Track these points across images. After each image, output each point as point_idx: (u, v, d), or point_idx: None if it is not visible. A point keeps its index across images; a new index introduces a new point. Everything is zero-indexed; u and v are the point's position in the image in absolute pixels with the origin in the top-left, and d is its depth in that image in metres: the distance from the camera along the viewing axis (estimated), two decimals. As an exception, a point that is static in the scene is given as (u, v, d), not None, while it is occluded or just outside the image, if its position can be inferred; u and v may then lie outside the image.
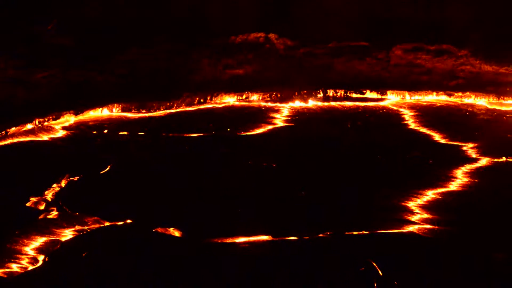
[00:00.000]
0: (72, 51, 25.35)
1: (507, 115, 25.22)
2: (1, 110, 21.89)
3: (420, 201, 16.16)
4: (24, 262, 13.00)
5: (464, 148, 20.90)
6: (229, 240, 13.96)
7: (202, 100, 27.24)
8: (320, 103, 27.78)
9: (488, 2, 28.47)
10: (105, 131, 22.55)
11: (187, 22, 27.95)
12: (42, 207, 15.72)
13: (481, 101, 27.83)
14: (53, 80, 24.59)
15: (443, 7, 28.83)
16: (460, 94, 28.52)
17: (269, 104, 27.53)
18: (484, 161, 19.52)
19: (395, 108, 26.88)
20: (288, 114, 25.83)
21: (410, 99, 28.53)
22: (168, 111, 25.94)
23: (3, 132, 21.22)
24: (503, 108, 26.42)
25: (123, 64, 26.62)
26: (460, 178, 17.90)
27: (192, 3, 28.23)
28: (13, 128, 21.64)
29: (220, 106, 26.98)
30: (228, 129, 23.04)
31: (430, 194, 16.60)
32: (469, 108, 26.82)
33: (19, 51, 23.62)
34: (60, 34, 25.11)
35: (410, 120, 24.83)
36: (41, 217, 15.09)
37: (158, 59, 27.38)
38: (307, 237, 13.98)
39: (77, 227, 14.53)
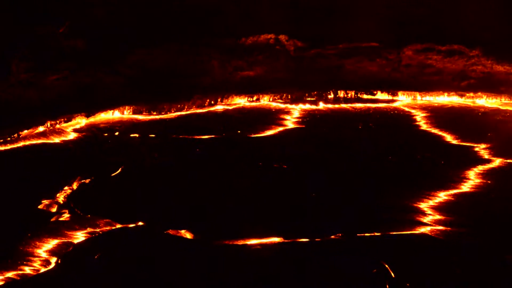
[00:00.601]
0: (83, 53, 25.43)
1: (520, 116, 25.09)
2: (13, 113, 21.99)
3: (432, 202, 16.09)
4: (37, 264, 13.08)
5: (477, 149, 20.76)
6: (241, 242, 13.96)
7: (212, 102, 27.23)
8: (330, 105, 27.71)
9: (499, 2, 28.28)
10: (116, 133, 22.61)
11: (198, 23, 27.97)
12: (54, 210, 15.79)
13: (493, 101, 27.63)
14: (65, 82, 24.67)
15: (454, 7, 28.65)
16: (471, 94, 28.34)
17: (280, 105, 27.49)
18: (497, 162, 19.39)
19: (406, 109, 26.75)
20: (298, 115, 25.78)
21: (421, 99, 28.40)
22: (179, 113, 25.96)
23: (15, 134, 21.33)
24: (517, 109, 26.23)
25: (133, 65, 26.68)
26: (472, 179, 17.80)
27: (203, 4, 28.23)
28: (25, 131, 21.74)
29: (231, 108, 26.96)
30: (239, 131, 23.02)
31: (442, 196, 16.52)
32: (481, 109, 26.63)
33: (31, 54, 23.70)
34: (71, 36, 25.21)
35: (422, 121, 24.69)
36: (53, 219, 15.17)
37: (168, 61, 27.40)
38: (318, 239, 13.96)
39: (89, 229, 14.60)
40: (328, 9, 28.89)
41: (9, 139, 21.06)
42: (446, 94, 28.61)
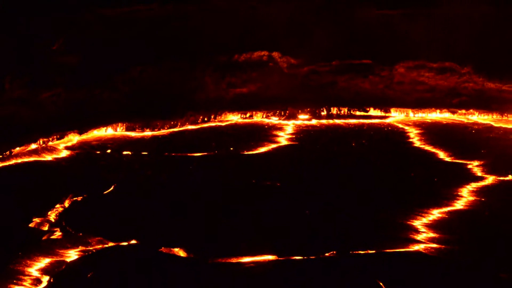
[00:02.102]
0: (77, 70, 25.42)
1: (513, 133, 25.18)
2: (6, 130, 21.88)
3: (425, 219, 16.07)
4: (27, 283, 12.94)
5: (470, 166, 20.78)
6: (235, 260, 13.89)
7: (206, 119, 27.24)
8: (324, 121, 27.76)
9: (490, 20, 28.53)
10: (108, 151, 22.53)
11: (191, 41, 28.06)
12: (45, 228, 15.67)
13: (485, 118, 27.75)
14: (58, 99, 24.62)
15: (445, 24, 28.88)
16: (463, 111, 28.47)
17: (273, 122, 27.52)
18: (490, 179, 19.40)
19: (400, 126, 26.82)
20: (292, 132, 25.79)
21: (414, 116, 28.51)
22: (171, 129, 25.92)
23: (8, 152, 21.23)
24: (510, 126, 26.25)
25: (127, 82, 26.71)
26: (465, 197, 17.79)
27: (196, 21, 28.36)
28: (18, 148, 21.65)
29: (223, 124, 26.96)
30: (231, 148, 22.99)
31: (436, 213, 16.51)
32: (475, 125, 26.71)
33: (24, 71, 23.67)
34: (65, 53, 25.21)
35: (415, 138, 24.72)
36: (44, 237, 15.03)
37: (162, 77, 27.44)
38: (312, 257, 13.90)
39: (81, 248, 14.48)
40: (320, 27, 29.10)
41: (1, 156, 20.95)
42: (438, 111, 28.74)
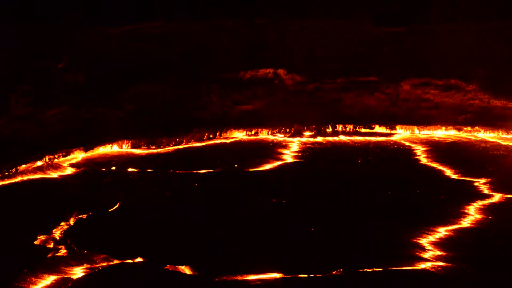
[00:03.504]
0: (83, 88, 25.54)
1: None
2: (11, 147, 21.96)
3: (432, 237, 15.95)
4: (32, 301, 12.93)
5: (476, 184, 20.65)
6: (240, 278, 13.80)
7: (211, 136, 27.28)
8: (329, 138, 27.75)
9: (496, 36, 28.58)
10: (113, 167, 22.54)
11: (196, 58, 28.18)
12: (50, 246, 15.64)
13: (491, 136, 27.67)
14: (63, 117, 24.71)
15: (450, 41, 28.93)
16: (469, 128, 28.42)
17: (278, 139, 27.52)
18: (497, 197, 19.25)
19: (406, 143, 26.74)
20: (297, 149, 25.77)
21: (419, 133, 28.47)
22: (177, 147, 25.97)
23: (13, 169, 21.27)
24: (517, 144, 26.18)
25: (132, 99, 26.81)
26: (472, 215, 17.67)
27: (202, 39, 28.50)
28: (23, 166, 21.71)
29: (228, 141, 26.97)
30: (236, 165, 22.96)
31: (442, 231, 16.38)
32: (482, 143, 26.57)
33: (29, 88, 23.79)
34: (70, 71, 25.34)
35: (422, 155, 24.64)
36: (49, 255, 14.99)
37: (167, 95, 27.54)
38: (319, 275, 13.81)
39: (86, 265, 14.43)
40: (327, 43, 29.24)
41: (7, 173, 21.02)
42: (444, 128, 28.70)
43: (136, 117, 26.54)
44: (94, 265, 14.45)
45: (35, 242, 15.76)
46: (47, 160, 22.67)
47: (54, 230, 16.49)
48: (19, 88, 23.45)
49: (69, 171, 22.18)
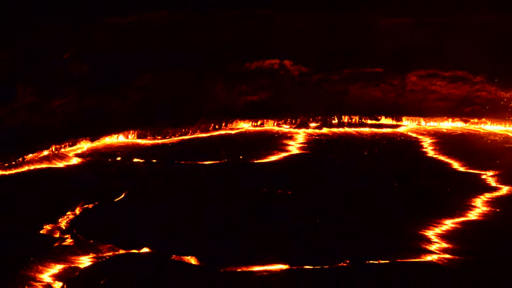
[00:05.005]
0: (88, 78, 25.49)
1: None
2: (19, 137, 21.97)
3: (438, 230, 15.91)
4: (38, 290, 12.98)
5: (484, 177, 20.55)
6: (246, 269, 13.79)
7: (217, 127, 27.22)
8: (335, 129, 27.64)
9: (503, 29, 28.39)
10: (118, 158, 22.54)
11: (202, 49, 28.08)
12: (56, 235, 15.67)
13: (498, 128, 27.49)
14: (69, 107, 24.71)
15: (458, 33, 28.74)
16: (476, 120, 28.26)
17: (284, 130, 27.44)
18: (504, 190, 19.15)
19: (413, 135, 26.61)
20: (303, 140, 25.69)
21: (426, 125, 28.31)
22: (182, 137, 25.92)
23: (20, 158, 21.29)
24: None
25: (138, 90, 26.75)
26: (479, 207, 17.61)
27: (207, 29, 28.42)
28: (30, 155, 21.73)
29: (234, 132, 26.91)
30: (241, 157, 22.91)
31: (449, 223, 16.34)
32: (490, 136, 26.36)
33: (36, 79, 23.75)
34: (76, 61, 25.29)
35: (429, 147, 24.53)
36: (56, 244, 15.03)
37: (174, 85, 27.46)
38: (325, 266, 13.79)
39: (92, 255, 14.46)
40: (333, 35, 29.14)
41: (13, 163, 21.04)
42: (450, 119, 28.55)
43: (142, 107, 26.50)
44: (100, 255, 14.48)
45: (41, 231, 15.80)
46: (53, 149, 22.69)
47: (60, 220, 16.55)
48: (25, 78, 23.42)
49: (75, 161, 22.19)
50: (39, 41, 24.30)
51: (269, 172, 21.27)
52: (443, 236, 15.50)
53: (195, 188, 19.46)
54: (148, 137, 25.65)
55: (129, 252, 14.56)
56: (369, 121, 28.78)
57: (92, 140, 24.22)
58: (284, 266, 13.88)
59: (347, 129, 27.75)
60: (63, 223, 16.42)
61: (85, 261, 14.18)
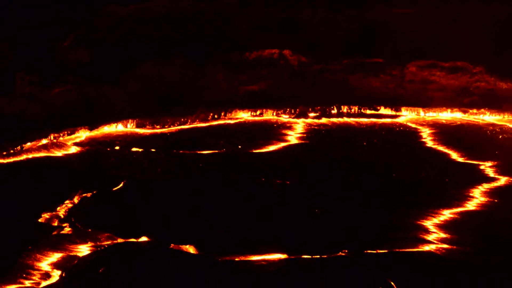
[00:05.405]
0: (88, 66, 25.44)
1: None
2: (17, 126, 21.97)
3: (437, 220, 15.93)
4: (36, 277, 12.98)
5: (482, 167, 20.56)
6: (244, 258, 13.82)
7: (216, 116, 27.18)
8: (334, 119, 27.61)
9: (503, 19, 28.31)
10: (117, 147, 22.52)
11: (202, 38, 28.00)
12: (55, 224, 15.68)
13: (497, 118, 27.48)
14: (69, 95, 24.69)
15: (457, 24, 28.67)
16: (475, 111, 28.23)
17: (283, 119, 27.42)
18: (502, 181, 19.17)
19: (413, 125, 26.58)
20: (302, 130, 25.67)
21: (425, 115, 28.29)
22: (181, 127, 25.88)
23: (19, 147, 21.28)
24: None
25: (138, 79, 26.71)
26: (477, 198, 17.63)
27: (207, 19, 28.33)
28: (29, 143, 21.70)
29: (233, 122, 26.86)
30: (240, 146, 22.91)
31: (447, 214, 16.36)
32: (490, 127, 26.34)
33: (35, 67, 23.71)
34: (76, 49, 25.22)
35: (428, 138, 24.50)
36: (54, 233, 15.05)
37: (173, 74, 27.41)
38: (324, 256, 13.82)
39: (91, 243, 14.48)
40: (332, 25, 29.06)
41: (12, 151, 21.02)
42: (449, 110, 28.52)
43: (141, 96, 26.44)
44: (98, 243, 14.51)
45: (39, 220, 15.82)
46: (52, 138, 22.66)
47: (58, 208, 16.55)
48: (24, 67, 23.37)
49: (74, 149, 22.17)
50: (39, 29, 24.23)
51: (268, 161, 21.26)
52: (441, 226, 15.53)
53: (193, 177, 19.46)
54: (147, 127, 25.61)
55: (128, 241, 14.59)
56: (368, 112, 28.72)
57: (91, 129, 24.20)
58: (282, 256, 13.91)
59: (346, 119, 27.71)
60: (61, 211, 16.42)
61: (83, 250, 14.20)
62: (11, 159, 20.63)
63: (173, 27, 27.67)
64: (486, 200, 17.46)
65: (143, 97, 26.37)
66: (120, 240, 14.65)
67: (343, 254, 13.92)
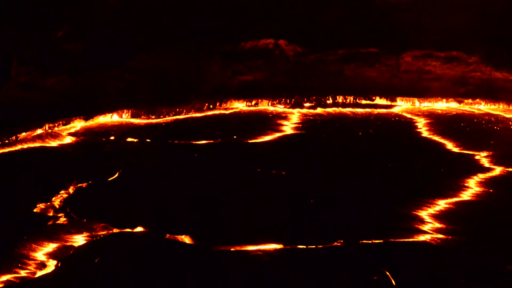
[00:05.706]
0: (83, 57, 25.31)
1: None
2: (12, 115, 21.87)
3: (432, 210, 16.00)
4: (32, 267, 13.00)
5: (478, 157, 20.61)
6: (240, 248, 13.85)
7: (211, 106, 27.12)
8: (330, 109, 27.58)
9: (498, 9, 28.28)
10: (112, 137, 22.48)
11: (197, 28, 27.88)
12: (50, 214, 15.68)
13: (492, 108, 27.52)
14: (63, 85, 24.57)
15: (453, 14, 28.62)
16: (470, 101, 28.26)
17: (278, 109, 27.39)
18: (497, 171, 19.23)
19: (408, 115, 26.58)
20: (297, 120, 25.65)
21: (420, 105, 28.29)
22: (176, 117, 25.81)
23: (14, 137, 21.22)
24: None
25: (133, 69, 26.59)
26: (472, 188, 17.69)
27: (202, 8, 28.18)
28: (24, 133, 21.65)
29: (228, 112, 26.81)
30: (235, 136, 22.89)
31: (442, 204, 16.42)
32: (485, 117, 26.34)
33: (30, 57, 23.60)
34: (71, 39, 25.08)
35: (423, 128, 24.51)
36: (49, 223, 15.04)
37: (168, 65, 27.30)
38: (319, 246, 13.86)
39: (86, 234, 14.49)
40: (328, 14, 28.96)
41: (7, 141, 20.97)
42: (444, 100, 28.53)
43: (136, 86, 26.36)
44: (94, 234, 14.51)
45: (34, 210, 15.80)
46: (46, 128, 22.61)
47: (53, 199, 16.54)
48: (19, 57, 23.25)
49: (69, 140, 22.11)
50: (33, 19, 24.07)
51: (263, 152, 21.28)
52: (436, 216, 15.59)
53: (189, 167, 19.45)
54: (142, 117, 25.55)
55: (123, 231, 14.60)
56: (363, 102, 28.68)
57: (86, 119, 24.13)
58: (278, 246, 13.94)
59: (341, 109, 27.67)
60: (56, 202, 16.41)
61: (79, 240, 14.21)
62: (6, 149, 20.56)
63: (168, 18, 27.50)
64: (481, 190, 17.53)
65: (138, 88, 26.28)
66: (115, 230, 14.67)
67: (339, 244, 13.96)
